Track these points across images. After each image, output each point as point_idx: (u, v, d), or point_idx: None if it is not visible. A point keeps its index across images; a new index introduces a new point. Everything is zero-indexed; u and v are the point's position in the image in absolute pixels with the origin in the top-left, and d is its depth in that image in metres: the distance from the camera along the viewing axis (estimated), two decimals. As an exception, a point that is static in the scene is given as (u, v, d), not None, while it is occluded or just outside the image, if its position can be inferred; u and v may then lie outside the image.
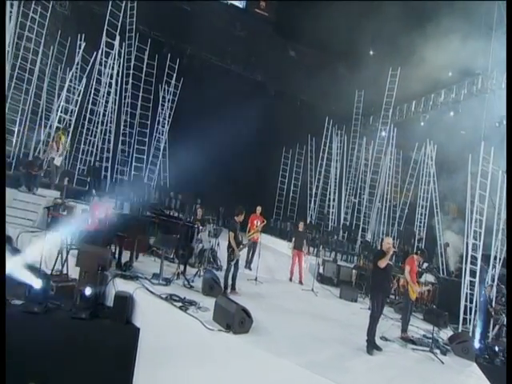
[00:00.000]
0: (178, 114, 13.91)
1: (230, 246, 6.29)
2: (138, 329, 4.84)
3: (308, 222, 12.67)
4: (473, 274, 8.32)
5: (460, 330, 7.43)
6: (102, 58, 11.11)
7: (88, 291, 4.79)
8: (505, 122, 10.64)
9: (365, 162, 13.43)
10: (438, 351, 5.06)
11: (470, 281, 8.19)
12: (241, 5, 17.05)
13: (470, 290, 7.88)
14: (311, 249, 10.32)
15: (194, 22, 14.88)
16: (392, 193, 12.55)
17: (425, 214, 11.69)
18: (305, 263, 9.16)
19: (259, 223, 8.73)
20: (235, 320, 4.24)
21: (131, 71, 12.34)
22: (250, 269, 8.66)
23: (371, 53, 16.42)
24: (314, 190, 14.16)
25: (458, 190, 12.50)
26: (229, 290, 6.18)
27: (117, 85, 11.95)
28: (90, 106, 11.22)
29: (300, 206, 14.88)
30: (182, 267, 6.72)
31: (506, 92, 5.13)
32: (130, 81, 12.43)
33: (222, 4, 16.19)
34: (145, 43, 12.59)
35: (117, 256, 6.03)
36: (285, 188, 15.29)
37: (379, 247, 10.84)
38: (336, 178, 13.66)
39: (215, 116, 13.95)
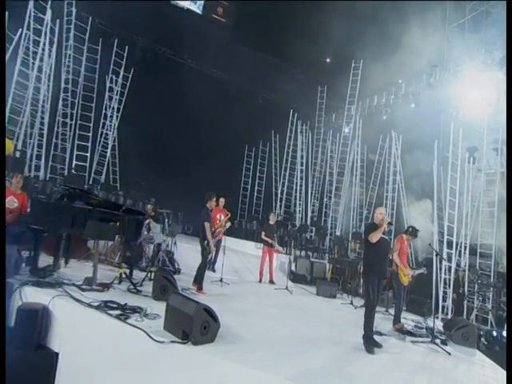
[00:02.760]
0: (129, 108, 12.42)
1: (205, 238, 5.42)
2: (56, 354, 3.42)
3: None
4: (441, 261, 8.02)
5: (440, 319, 6.95)
6: (28, 34, 9.35)
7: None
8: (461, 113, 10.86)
9: (331, 156, 13.03)
10: (438, 341, 4.31)
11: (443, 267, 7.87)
12: (198, 10, 16.30)
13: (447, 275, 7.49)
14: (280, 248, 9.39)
15: (146, 15, 13.70)
16: (358, 187, 12.17)
17: (392, 206, 11.44)
18: (275, 261, 8.19)
19: (223, 217, 7.61)
20: (195, 325, 3.06)
21: (70, 54, 10.64)
22: (214, 270, 7.48)
23: (328, 60, 16.56)
24: (279, 189, 13.40)
25: (419, 181, 12.46)
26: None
27: (51, 70, 10.21)
28: (12, 91, 9.32)
29: (265, 205, 14.03)
30: (127, 271, 5.37)
31: (506, 91, 4.80)
32: (71, 65, 10.70)
33: (177, 8, 15.27)
34: (87, 29, 11.05)
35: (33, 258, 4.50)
36: (248, 188, 14.37)
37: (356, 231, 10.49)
38: (302, 175, 13.05)
39: (172, 112, 12.80)
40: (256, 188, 14.30)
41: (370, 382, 2.93)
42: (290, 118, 13.26)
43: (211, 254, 5.41)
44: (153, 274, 5.49)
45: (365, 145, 12.71)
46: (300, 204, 12.96)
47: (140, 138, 12.53)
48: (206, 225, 5.42)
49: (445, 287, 7.68)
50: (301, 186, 12.96)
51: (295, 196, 13.23)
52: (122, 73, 12.05)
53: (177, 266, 7.18)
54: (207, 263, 5.61)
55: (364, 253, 4.13)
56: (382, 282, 4.00)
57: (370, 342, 3.70)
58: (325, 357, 3.28)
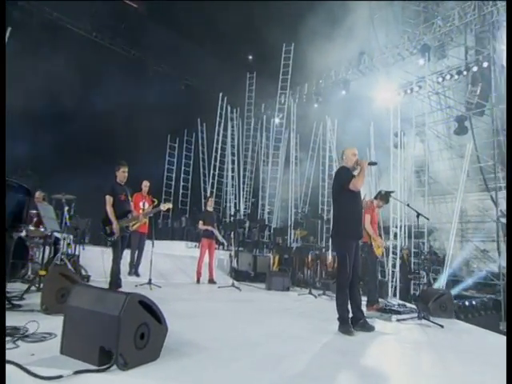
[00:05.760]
0: (11, 81, 9.35)
1: (107, 218, 3.96)
2: None
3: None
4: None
5: (392, 299, 6.79)
6: None
7: None
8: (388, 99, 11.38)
9: (266, 144, 12.43)
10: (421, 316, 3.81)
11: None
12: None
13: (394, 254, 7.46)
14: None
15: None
16: (294, 177, 11.82)
17: (329, 193, 11.47)
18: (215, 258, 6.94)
19: (147, 205, 5.99)
20: (124, 332, 1.69)
21: None
22: (138, 275, 5.83)
23: (250, 57, 16.24)
24: (209, 182, 12.14)
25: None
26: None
27: None
28: None
29: (193, 200, 12.60)
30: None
31: (506, 90, 4.75)
32: None
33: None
34: None
35: None
36: (172, 183, 12.63)
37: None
38: (234, 167, 12.09)
39: (75, 92, 10.30)
40: (181, 183, 12.71)
41: (403, 373, 2.06)
42: (220, 102, 12.21)
43: (114, 237, 3.85)
44: (41, 282, 3.68)
45: (298, 134, 12.51)
46: (232, 199, 11.96)
47: (31, 122, 9.69)
48: (107, 198, 3.94)
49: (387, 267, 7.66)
50: (232, 177, 11.98)
51: (226, 191, 12.18)
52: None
53: (84, 273, 5.30)
54: (121, 257, 4.04)
55: (336, 209, 3.18)
56: (358, 249, 3.21)
57: (363, 326, 2.90)
58: (325, 353, 2.28)
